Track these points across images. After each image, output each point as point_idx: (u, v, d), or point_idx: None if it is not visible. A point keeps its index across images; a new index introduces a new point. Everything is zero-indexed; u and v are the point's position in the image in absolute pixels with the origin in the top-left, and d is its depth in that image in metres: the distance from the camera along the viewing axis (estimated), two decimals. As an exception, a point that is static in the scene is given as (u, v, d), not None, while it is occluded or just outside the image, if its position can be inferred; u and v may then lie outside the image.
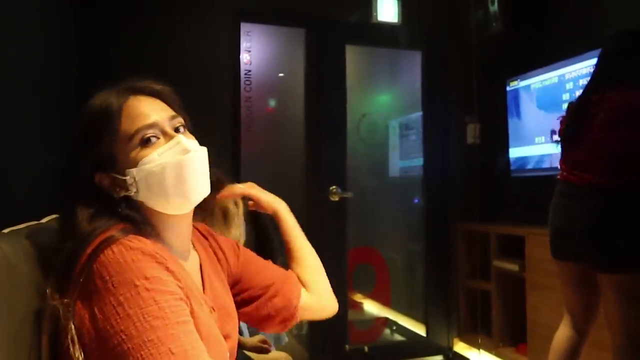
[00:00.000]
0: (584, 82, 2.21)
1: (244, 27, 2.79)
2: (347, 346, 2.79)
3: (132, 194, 0.82)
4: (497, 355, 2.70)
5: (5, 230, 0.87)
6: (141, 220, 0.82)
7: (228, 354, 0.88)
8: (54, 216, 1.18)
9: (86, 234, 0.76)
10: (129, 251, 0.72)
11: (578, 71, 2.46)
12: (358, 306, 3.41)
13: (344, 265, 2.83)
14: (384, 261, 3.30)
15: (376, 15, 2.82)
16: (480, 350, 2.80)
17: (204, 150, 0.87)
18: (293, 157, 2.91)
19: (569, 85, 2.52)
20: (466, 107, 3.01)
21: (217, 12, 2.55)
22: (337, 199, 2.77)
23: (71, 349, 0.70)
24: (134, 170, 0.81)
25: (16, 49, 1.29)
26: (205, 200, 0.89)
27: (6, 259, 0.73)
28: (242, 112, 2.68)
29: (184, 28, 2.43)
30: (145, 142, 0.82)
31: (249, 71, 2.95)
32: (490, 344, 2.74)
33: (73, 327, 0.71)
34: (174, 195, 0.82)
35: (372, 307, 3.43)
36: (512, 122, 2.92)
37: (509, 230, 2.66)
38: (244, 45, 2.85)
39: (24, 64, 1.34)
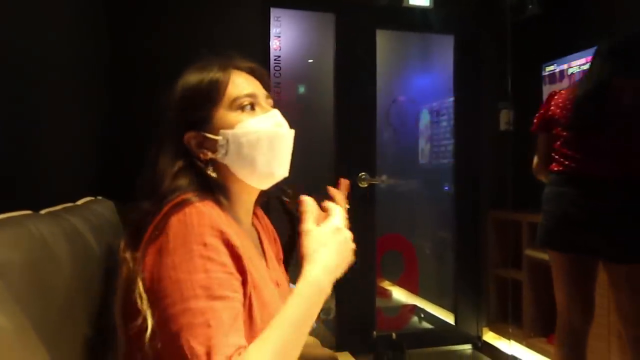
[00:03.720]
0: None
1: (274, 13, 2.78)
2: (374, 332, 2.80)
3: (219, 156, 0.84)
4: (527, 345, 2.66)
5: (42, 211, 0.90)
6: (218, 187, 0.84)
7: None
8: (88, 198, 1.21)
9: (167, 192, 0.79)
10: (198, 215, 0.74)
11: (618, 55, 2.37)
12: (386, 293, 3.41)
13: (373, 252, 2.82)
14: (412, 248, 3.28)
15: (407, -1, 2.77)
16: (511, 340, 2.76)
17: (292, 132, 0.92)
18: (322, 143, 2.90)
19: (609, 70, 2.43)
20: (499, 92, 2.94)
21: (247, -3, 2.54)
22: (365, 185, 2.76)
23: (139, 303, 0.72)
24: (229, 132, 0.84)
25: (55, 35, 1.32)
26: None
27: (43, 239, 0.75)
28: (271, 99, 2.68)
29: (214, 15, 2.43)
30: (244, 108, 0.86)
31: (279, 57, 2.94)
32: (521, 334, 2.70)
33: (140, 282, 0.73)
34: (261, 164, 0.85)
35: (400, 295, 3.42)
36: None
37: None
38: (273, 31, 2.84)
39: (60, 50, 1.37)
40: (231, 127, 0.84)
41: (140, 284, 0.72)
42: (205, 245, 0.72)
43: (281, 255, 1.06)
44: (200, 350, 0.66)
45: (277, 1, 2.72)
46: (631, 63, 1.74)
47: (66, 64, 1.43)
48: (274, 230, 1.09)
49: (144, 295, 0.72)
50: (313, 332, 1.49)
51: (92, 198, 1.24)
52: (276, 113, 0.89)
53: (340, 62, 2.79)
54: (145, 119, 0.98)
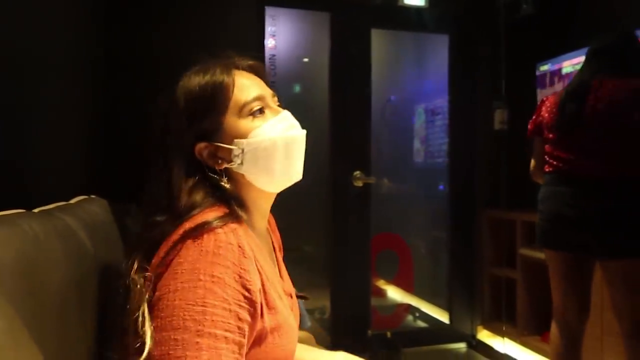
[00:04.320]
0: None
1: (269, 11, 2.78)
2: (369, 331, 2.80)
3: (235, 166, 0.82)
4: (521, 343, 2.67)
5: (36, 210, 0.89)
6: (234, 198, 0.81)
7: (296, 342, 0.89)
8: (82, 197, 1.21)
9: (185, 209, 0.76)
10: (216, 242, 0.71)
11: (612, 54, 2.38)
12: (381, 292, 3.41)
13: (367, 251, 2.83)
14: (407, 247, 3.28)
15: (402, -2, 2.78)
16: (505, 338, 2.77)
17: (304, 132, 0.89)
18: (317, 142, 2.90)
19: (602, 69, 2.44)
20: (494, 92, 2.95)
21: (242, -5, 2.54)
22: (361, 184, 2.76)
23: (139, 324, 0.69)
24: (244, 142, 0.81)
25: (49, 33, 1.31)
26: None
27: (36, 237, 0.74)
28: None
29: (209, 13, 2.43)
30: (255, 113, 0.83)
31: (274, 56, 2.94)
32: (515, 333, 2.71)
33: (146, 303, 0.70)
34: (279, 171, 0.83)
35: (395, 293, 3.43)
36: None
37: (535, 217, 2.61)
38: (268, 29, 2.84)
39: (54, 49, 1.36)
40: (245, 135, 0.81)
41: (145, 306, 0.70)
42: (212, 276, 0.69)
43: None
44: None
45: (273, 0, 2.71)
46: (613, 62, 1.77)
47: (61, 63, 1.42)
48: (280, 239, 1.07)
49: (148, 317, 0.69)
50: (309, 330, 1.49)
51: (86, 197, 1.23)
52: (287, 114, 0.86)
53: (335, 61, 2.79)
54: (140, 119, 0.98)
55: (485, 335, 2.94)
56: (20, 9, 1.13)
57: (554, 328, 1.93)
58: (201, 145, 0.82)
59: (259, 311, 0.73)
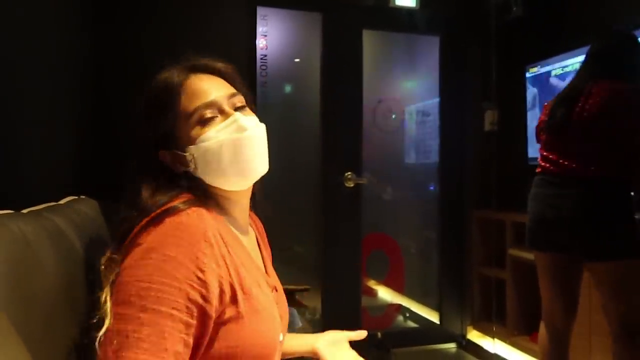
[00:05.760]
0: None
1: (260, 11, 2.77)
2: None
3: (192, 170, 0.84)
4: (511, 344, 2.69)
5: (24, 211, 0.89)
6: (202, 193, 0.84)
7: (281, 335, 0.89)
8: (72, 197, 1.20)
9: (149, 206, 0.78)
10: (176, 225, 0.73)
11: (600, 57, 2.40)
12: (371, 292, 3.41)
13: (358, 251, 2.83)
14: (398, 248, 3.29)
15: (394, -1, 2.79)
16: (495, 338, 2.79)
17: (261, 128, 0.88)
18: (308, 143, 2.90)
19: (591, 72, 2.46)
20: (484, 93, 2.97)
21: (233, -5, 2.53)
22: (352, 185, 2.76)
23: (101, 303, 0.71)
24: (192, 148, 0.83)
25: (37, 33, 1.30)
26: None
27: (25, 238, 0.74)
28: (257, 98, 2.68)
29: (200, 13, 2.41)
30: (204, 122, 0.83)
31: (265, 56, 2.93)
32: (504, 333, 2.73)
33: (109, 287, 0.72)
34: (232, 173, 0.83)
35: (385, 294, 3.43)
36: (531, 109, 2.87)
37: (525, 218, 2.62)
38: (260, 29, 2.83)
39: (42, 49, 1.35)
40: (193, 142, 0.83)
41: (108, 289, 0.72)
42: (164, 255, 0.70)
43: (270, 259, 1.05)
44: (109, 358, 0.66)
45: (264, 0, 2.71)
46: (608, 66, 1.79)
47: (50, 62, 1.41)
48: (265, 234, 1.08)
49: (109, 296, 0.71)
50: (300, 331, 1.49)
51: (76, 197, 1.22)
52: (237, 117, 0.83)
53: (326, 61, 2.79)
54: (129, 119, 0.97)
55: (475, 336, 2.96)
56: (7, 7, 1.11)
57: (542, 328, 1.94)
58: (164, 152, 0.85)
59: (216, 295, 0.73)
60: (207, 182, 0.85)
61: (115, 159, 0.88)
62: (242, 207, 0.91)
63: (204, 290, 0.72)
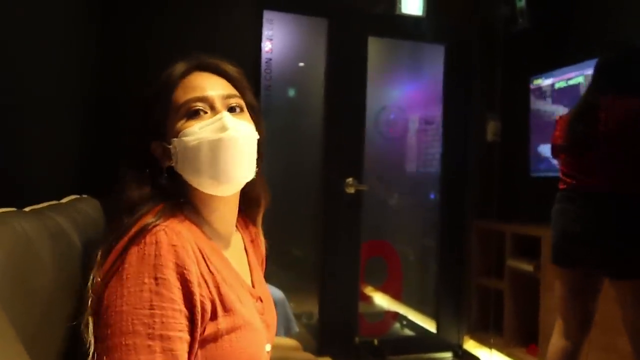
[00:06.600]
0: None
1: (267, 15, 2.78)
2: (356, 338, 2.80)
3: (174, 164, 0.83)
4: (507, 354, 2.68)
5: (27, 209, 0.89)
6: (180, 195, 0.83)
7: (268, 345, 0.88)
8: (74, 196, 1.20)
9: (128, 204, 0.78)
10: (157, 245, 0.72)
11: (605, 71, 2.40)
12: (369, 299, 3.41)
13: (357, 257, 2.83)
14: (396, 255, 3.29)
15: (400, 7, 2.80)
16: (492, 349, 2.78)
17: (249, 132, 0.84)
18: (311, 147, 2.90)
19: (595, 85, 2.47)
20: (488, 103, 2.97)
21: (240, -1, 2.54)
22: (353, 191, 2.76)
23: (84, 330, 0.71)
24: (175, 140, 0.81)
25: (42, 32, 1.31)
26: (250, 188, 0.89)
27: (27, 236, 0.74)
28: (261, 101, 2.68)
29: (207, 15, 2.42)
30: (191, 115, 0.82)
31: (270, 59, 2.94)
32: (501, 343, 2.72)
33: (90, 309, 0.72)
34: (207, 174, 0.80)
35: (382, 301, 3.43)
36: (534, 121, 2.87)
37: (525, 230, 2.63)
38: (265, 33, 2.84)
39: (46, 48, 1.35)
40: (177, 134, 0.81)
41: (89, 311, 0.72)
42: (156, 279, 0.70)
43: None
44: None
45: (271, 4, 2.72)
46: (619, 80, 1.77)
47: (53, 62, 1.42)
48: (264, 254, 1.05)
49: (90, 323, 0.71)
50: (295, 338, 1.49)
51: (78, 196, 1.22)
52: (223, 116, 0.81)
53: (331, 67, 2.80)
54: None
55: (471, 345, 2.95)
56: (12, 3, 1.12)
57: (554, 342, 1.92)
58: (155, 144, 0.84)
59: (199, 309, 0.73)
60: (185, 178, 0.83)
61: (118, 158, 0.88)
62: (221, 216, 0.87)
63: (195, 309, 0.72)
